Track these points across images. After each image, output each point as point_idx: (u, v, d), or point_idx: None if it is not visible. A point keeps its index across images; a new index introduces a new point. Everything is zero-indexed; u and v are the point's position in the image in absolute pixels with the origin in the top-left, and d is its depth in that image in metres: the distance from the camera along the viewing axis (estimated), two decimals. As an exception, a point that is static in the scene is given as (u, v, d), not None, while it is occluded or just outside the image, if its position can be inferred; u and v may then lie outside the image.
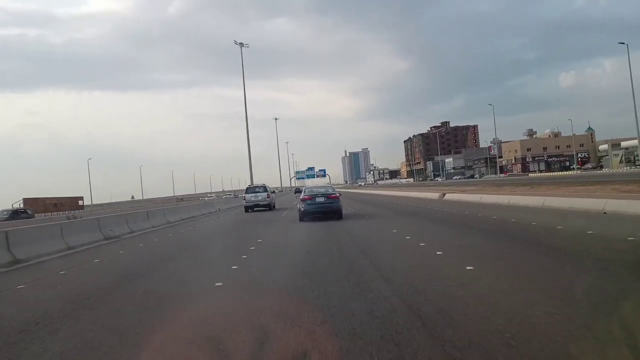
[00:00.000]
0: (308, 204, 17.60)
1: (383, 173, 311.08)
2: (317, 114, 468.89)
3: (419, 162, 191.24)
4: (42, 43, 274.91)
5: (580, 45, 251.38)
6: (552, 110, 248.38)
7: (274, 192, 40.54)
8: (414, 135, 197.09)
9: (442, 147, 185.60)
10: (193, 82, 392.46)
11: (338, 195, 18.46)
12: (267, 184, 34.62)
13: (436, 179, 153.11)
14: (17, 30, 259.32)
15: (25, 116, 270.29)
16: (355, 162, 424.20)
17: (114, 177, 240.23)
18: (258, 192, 32.06)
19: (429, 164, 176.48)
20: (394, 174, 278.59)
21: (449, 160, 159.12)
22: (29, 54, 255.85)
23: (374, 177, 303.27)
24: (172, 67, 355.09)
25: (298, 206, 18.65)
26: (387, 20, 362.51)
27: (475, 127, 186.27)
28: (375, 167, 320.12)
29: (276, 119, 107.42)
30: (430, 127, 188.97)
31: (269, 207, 31.21)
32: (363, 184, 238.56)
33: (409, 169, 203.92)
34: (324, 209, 17.54)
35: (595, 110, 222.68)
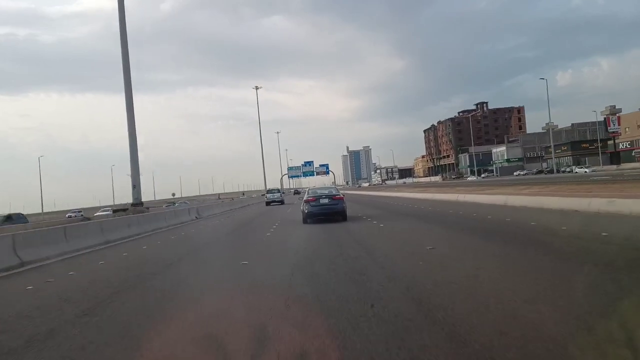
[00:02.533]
0: (312, 206, 17.37)
1: (391, 172, 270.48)
2: (314, 114, 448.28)
3: (448, 155, 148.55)
4: (33, 42, 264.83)
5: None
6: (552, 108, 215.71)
7: (283, 192, 62.43)
8: (439, 122, 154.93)
9: (478, 135, 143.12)
10: (189, 82, 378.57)
11: (342, 196, 18.22)
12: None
13: (470, 176, 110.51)
14: (6, 29, 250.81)
15: (17, 119, 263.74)
16: (356, 161, 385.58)
17: (110, 179, 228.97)
18: (274, 193, 51.65)
19: (463, 158, 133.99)
20: (405, 172, 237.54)
21: (499, 150, 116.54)
22: (19, 54, 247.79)
23: (380, 177, 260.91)
24: (167, 66, 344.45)
25: (301, 208, 18.23)
26: (386, 19, 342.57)
27: (520, 109, 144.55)
28: (379, 165, 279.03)
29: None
30: (459, 112, 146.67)
31: (281, 202, 46.77)
32: (367, 184, 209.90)
33: (431, 164, 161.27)
34: (329, 211, 17.33)
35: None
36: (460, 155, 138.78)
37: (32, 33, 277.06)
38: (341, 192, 19.87)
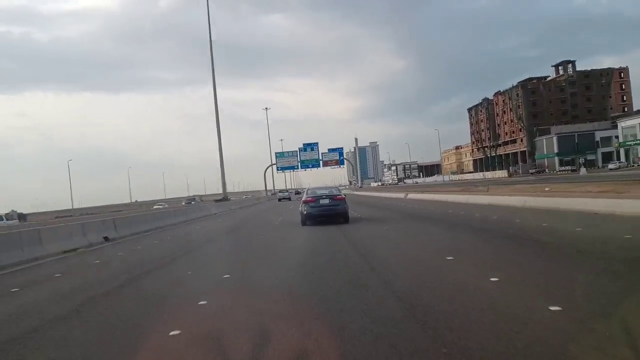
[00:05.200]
0: (311, 207, 16.30)
1: (409, 168, 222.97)
2: (314, 113, 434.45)
3: (512, 141, 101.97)
4: (28, 41, 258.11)
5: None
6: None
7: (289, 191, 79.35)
8: (497, 93, 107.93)
9: (561, 110, 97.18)
10: (186, 81, 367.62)
11: (344, 196, 17.24)
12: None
13: (581, 169, 64.08)
14: (1, 28, 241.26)
15: (14, 118, 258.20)
16: (362, 159, 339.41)
17: (109, 179, 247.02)
18: (284, 191, 72.31)
19: (544, 143, 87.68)
20: (430, 170, 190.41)
21: (628, 124, 69.43)
22: (15, 52, 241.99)
23: (396, 174, 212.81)
24: (165, 65, 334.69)
25: (300, 209, 17.17)
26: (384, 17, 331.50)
27: (622, 70, 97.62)
28: (393, 162, 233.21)
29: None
30: (526, 80, 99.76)
31: (289, 199, 59.63)
32: (378, 183, 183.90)
33: (481, 155, 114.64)
34: (329, 212, 16.29)
35: None
36: (536, 139, 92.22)
37: (26, 31, 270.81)
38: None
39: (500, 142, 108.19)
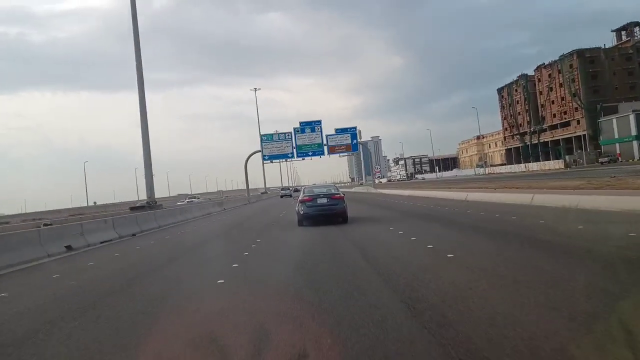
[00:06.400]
0: (308, 206, 15.41)
1: (419, 163, 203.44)
2: (314, 111, 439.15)
3: (567, 123, 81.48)
4: (24, 42, 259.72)
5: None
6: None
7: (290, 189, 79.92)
8: (541, 66, 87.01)
9: (628, 83, 76.87)
10: (184, 81, 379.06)
11: (342, 195, 16.25)
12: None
13: None
14: None
15: (11, 119, 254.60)
16: (364, 155, 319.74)
17: (109, 179, 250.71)
18: (286, 189, 76.90)
19: (611, 124, 67.18)
20: (445, 163, 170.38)
21: None
22: (11, 53, 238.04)
23: (406, 169, 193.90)
24: (161, 65, 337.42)
25: (296, 209, 16.46)
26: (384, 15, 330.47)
27: None
28: (401, 155, 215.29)
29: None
30: (575, 52, 78.88)
31: (291, 195, 56.90)
32: (385, 180, 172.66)
33: (518, 143, 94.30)
34: (327, 212, 15.34)
35: None
36: (601, 120, 71.64)
37: (22, 32, 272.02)
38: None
39: (544, 125, 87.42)
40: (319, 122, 50.63)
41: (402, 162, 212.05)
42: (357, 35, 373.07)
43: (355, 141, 50.77)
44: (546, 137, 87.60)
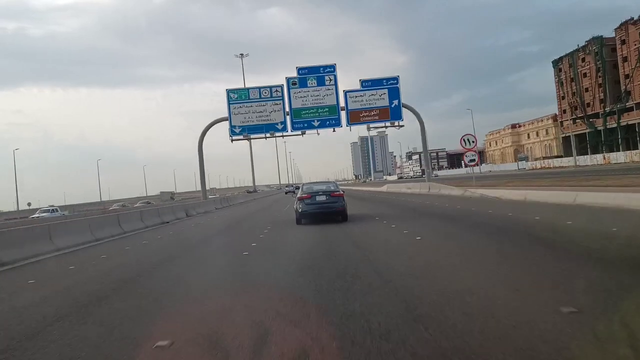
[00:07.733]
0: (307, 204, 15.15)
1: (435, 157, 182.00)
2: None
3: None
4: (22, 36, 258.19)
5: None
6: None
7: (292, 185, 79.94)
8: (620, 27, 64.08)
9: None
10: (184, 78, 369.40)
11: (342, 192, 15.97)
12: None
13: None
14: None
15: (11, 115, 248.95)
16: (372, 147, 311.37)
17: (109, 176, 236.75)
18: (290, 186, 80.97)
19: None
20: (461, 158, 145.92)
21: None
22: (9, 48, 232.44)
23: (420, 165, 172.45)
24: (162, 61, 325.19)
25: (295, 206, 16.03)
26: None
27: None
28: (414, 149, 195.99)
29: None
30: None
31: (294, 192, 50.86)
32: (396, 176, 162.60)
33: (580, 128, 71.42)
34: (326, 210, 15.14)
35: None
36: None
37: (20, 27, 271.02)
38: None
39: (629, 103, 64.70)
40: (332, 67, 28.30)
41: (415, 157, 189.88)
42: (354, 32, 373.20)
43: (396, 102, 28.37)
44: (631, 117, 64.99)
